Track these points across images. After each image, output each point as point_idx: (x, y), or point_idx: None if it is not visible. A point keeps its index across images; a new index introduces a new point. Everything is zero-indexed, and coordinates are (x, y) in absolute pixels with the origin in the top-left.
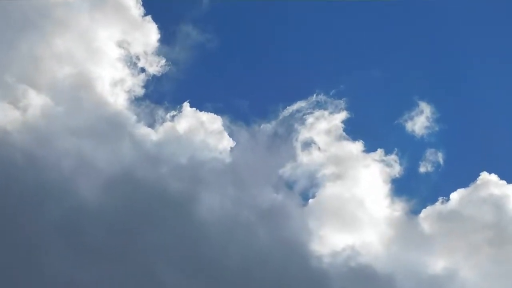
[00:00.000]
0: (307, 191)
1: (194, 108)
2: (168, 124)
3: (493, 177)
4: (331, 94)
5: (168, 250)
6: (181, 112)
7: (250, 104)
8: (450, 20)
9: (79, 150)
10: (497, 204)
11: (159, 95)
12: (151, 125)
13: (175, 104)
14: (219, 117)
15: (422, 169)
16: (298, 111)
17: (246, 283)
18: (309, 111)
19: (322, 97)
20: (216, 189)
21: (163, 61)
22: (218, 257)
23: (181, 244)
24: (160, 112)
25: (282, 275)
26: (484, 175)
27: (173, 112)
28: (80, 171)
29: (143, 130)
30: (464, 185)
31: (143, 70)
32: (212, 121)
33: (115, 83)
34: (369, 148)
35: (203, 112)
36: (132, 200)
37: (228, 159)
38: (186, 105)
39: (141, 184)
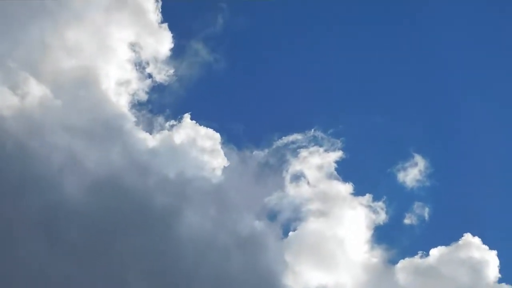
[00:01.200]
0: (289, 223)
1: (194, 121)
2: (166, 132)
3: (476, 240)
4: (329, 132)
5: (142, 260)
6: (180, 123)
7: (246, 128)
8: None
9: (70, 146)
10: (475, 267)
11: (161, 103)
12: (149, 131)
13: (176, 115)
14: (218, 134)
15: (407, 221)
16: (293, 142)
17: None
18: (304, 145)
19: (319, 133)
20: (199, 208)
21: (171, 71)
22: (189, 275)
23: (155, 256)
24: (160, 119)
25: None
26: (468, 236)
27: (172, 122)
28: (68, 168)
29: (140, 135)
30: (446, 243)
31: (150, 76)
32: (210, 137)
33: (120, 84)
34: (358, 192)
35: (203, 126)
36: (115, 205)
37: (216, 180)
38: (187, 116)
39: (126, 190)
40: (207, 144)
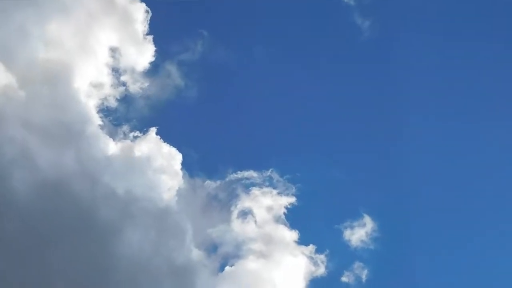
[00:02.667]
0: (228, 258)
1: (159, 137)
2: (128, 142)
3: None
4: (285, 176)
5: (74, 269)
6: (145, 135)
7: (203, 156)
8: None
9: (26, 140)
10: None
11: (130, 113)
12: (112, 138)
13: (143, 127)
14: (180, 155)
15: (344, 278)
16: (247, 178)
17: None
18: (258, 183)
19: (275, 175)
20: (141, 229)
21: (146, 84)
22: None
23: (88, 269)
24: (125, 128)
25: None
26: None
27: (137, 133)
28: (19, 162)
29: (101, 141)
30: None
31: (124, 84)
32: (173, 157)
33: (93, 86)
34: (303, 241)
35: (166, 143)
36: (59, 209)
37: (163, 203)
38: (153, 130)
39: (73, 197)
40: (167, 162)
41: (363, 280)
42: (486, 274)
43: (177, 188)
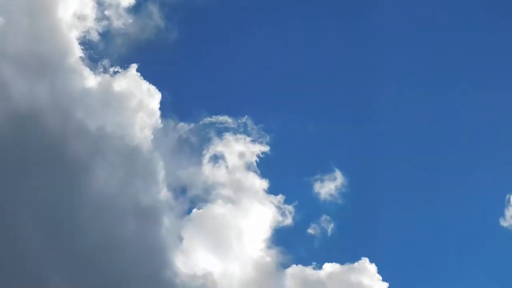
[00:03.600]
0: (196, 201)
1: (139, 74)
2: (107, 77)
3: (372, 267)
4: (260, 125)
5: (39, 202)
6: (125, 71)
7: (179, 98)
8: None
9: (2, 69)
10: None
11: (112, 48)
12: (91, 70)
13: (123, 63)
14: (160, 93)
15: (310, 231)
16: (221, 123)
17: (102, 263)
18: (231, 129)
19: (250, 123)
20: (110, 168)
21: (130, 21)
22: (82, 230)
23: (54, 203)
24: (105, 62)
25: (132, 274)
26: (365, 261)
27: (118, 68)
28: None
29: (80, 73)
30: (341, 261)
31: (108, 18)
32: (151, 95)
33: (76, 17)
34: (272, 190)
35: (146, 81)
36: (29, 141)
37: (135, 142)
38: (133, 67)
39: (44, 129)
40: (145, 100)
41: (329, 234)
42: (449, 231)
43: (151, 127)
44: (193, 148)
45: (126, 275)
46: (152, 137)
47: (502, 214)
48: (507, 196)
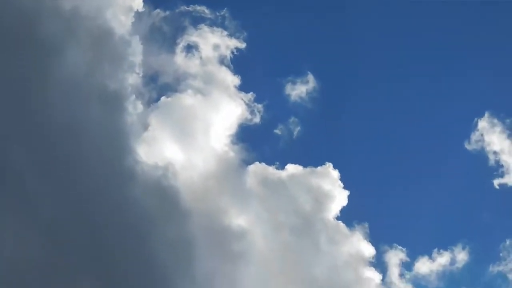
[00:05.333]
0: (165, 89)
1: None
2: None
3: (335, 173)
4: (239, 20)
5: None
6: None
7: None
8: None
9: None
10: (321, 198)
11: None
12: None
13: None
14: None
15: (277, 131)
16: (198, 13)
17: (64, 143)
18: (208, 20)
19: (229, 16)
20: (81, 50)
21: None
22: (48, 113)
23: (20, 83)
24: None
25: (93, 158)
26: (328, 166)
27: None
28: None
29: None
30: (304, 164)
31: None
32: None
33: None
34: (243, 87)
35: None
36: (2, 17)
37: (108, 26)
38: None
39: (18, 6)
40: None
41: (295, 136)
42: (414, 148)
43: (126, 12)
44: (167, 36)
45: (87, 158)
46: (126, 21)
47: (467, 137)
48: (475, 120)
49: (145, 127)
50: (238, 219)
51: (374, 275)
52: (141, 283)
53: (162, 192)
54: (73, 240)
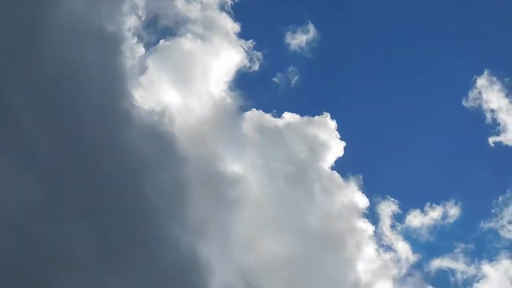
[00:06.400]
0: (165, 33)
1: None
2: None
3: (332, 123)
4: None
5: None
6: None
7: None
8: None
9: None
10: (316, 147)
11: None
12: None
13: None
14: None
15: (275, 79)
16: None
17: (61, 84)
18: None
19: None
20: None
21: None
22: (44, 52)
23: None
24: None
25: (88, 100)
26: (326, 116)
27: None
28: None
29: None
30: (302, 113)
31: None
32: None
33: None
34: (243, 34)
35: None
36: None
37: None
38: None
39: None
40: None
41: (292, 85)
42: (412, 103)
43: None
44: None
45: (83, 101)
46: None
47: (465, 94)
48: (474, 77)
49: (143, 70)
50: (233, 165)
51: (366, 226)
52: (134, 227)
53: (158, 137)
54: (68, 183)
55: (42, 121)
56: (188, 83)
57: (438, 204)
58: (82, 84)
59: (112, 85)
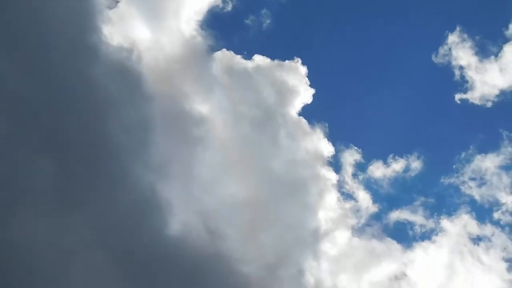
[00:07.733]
0: None
1: None
2: None
3: (302, 69)
4: None
5: None
6: None
7: None
8: None
9: None
10: (285, 91)
11: None
12: None
13: None
14: None
15: (248, 21)
16: None
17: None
18: None
19: None
20: None
21: None
22: None
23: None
24: None
25: (54, 35)
26: (297, 62)
27: None
28: None
29: None
30: (272, 56)
31: None
32: None
33: None
34: None
35: None
36: None
37: None
38: None
39: None
40: None
41: (264, 28)
42: (383, 57)
43: None
44: None
45: (49, 34)
46: None
47: (435, 50)
48: (445, 33)
49: (114, 4)
50: (200, 106)
51: (330, 174)
52: (95, 163)
53: (124, 74)
54: (30, 115)
55: (6, 56)
56: (159, 20)
57: (401, 156)
58: (48, 16)
59: (80, 19)
